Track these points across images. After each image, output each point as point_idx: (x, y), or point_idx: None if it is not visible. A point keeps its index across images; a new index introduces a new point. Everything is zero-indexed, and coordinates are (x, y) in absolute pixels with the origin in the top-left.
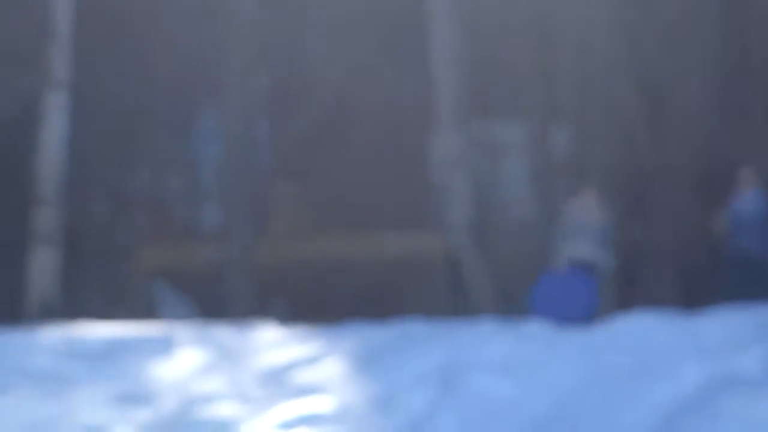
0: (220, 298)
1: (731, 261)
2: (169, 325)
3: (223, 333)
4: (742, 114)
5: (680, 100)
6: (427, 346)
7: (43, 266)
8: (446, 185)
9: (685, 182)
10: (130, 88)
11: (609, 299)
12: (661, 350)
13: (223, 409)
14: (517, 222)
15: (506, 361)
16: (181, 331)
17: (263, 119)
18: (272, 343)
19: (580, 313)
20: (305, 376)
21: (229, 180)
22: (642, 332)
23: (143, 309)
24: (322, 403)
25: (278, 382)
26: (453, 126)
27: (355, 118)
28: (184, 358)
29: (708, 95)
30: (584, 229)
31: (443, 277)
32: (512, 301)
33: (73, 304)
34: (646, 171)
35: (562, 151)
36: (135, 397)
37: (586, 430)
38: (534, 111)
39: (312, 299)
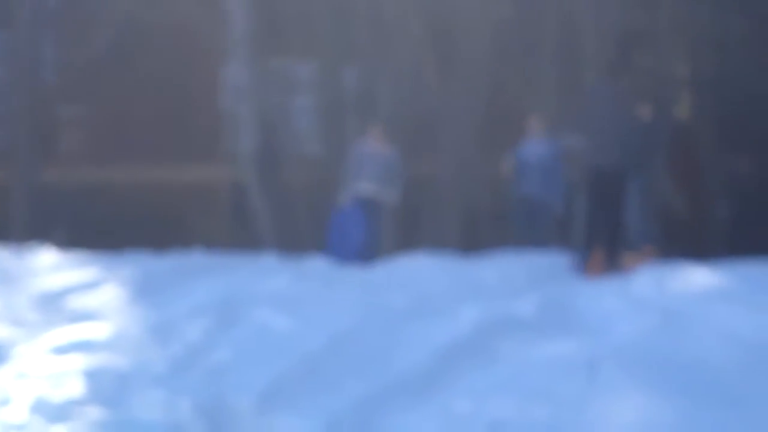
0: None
1: (515, 206)
2: None
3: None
4: (531, 61)
5: (471, 45)
6: (208, 277)
7: None
8: (235, 117)
9: (472, 126)
10: None
11: (392, 238)
12: (440, 292)
13: None
14: (306, 156)
15: (285, 296)
16: None
17: (51, 40)
18: (50, 267)
19: (362, 250)
20: (81, 301)
21: (14, 101)
22: (422, 273)
23: None
24: (97, 330)
25: (53, 307)
26: (244, 59)
27: (147, 44)
28: None
29: (499, 41)
30: (370, 167)
31: (229, 208)
32: (297, 235)
33: None
34: (434, 113)
35: (353, 89)
36: None
37: (363, 366)
38: (326, 49)
39: (95, 225)
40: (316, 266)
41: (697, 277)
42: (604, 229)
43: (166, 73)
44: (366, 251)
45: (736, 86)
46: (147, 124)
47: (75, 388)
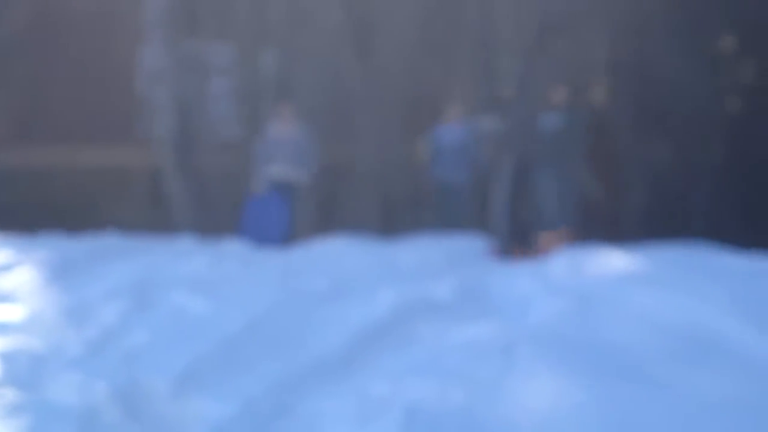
0: None
1: (431, 191)
2: None
3: None
4: (449, 45)
5: (390, 29)
6: (123, 260)
7: None
8: (151, 100)
9: (390, 109)
10: None
11: (310, 221)
12: (357, 274)
13: None
14: (222, 140)
15: (202, 278)
16: None
17: None
18: None
19: (279, 233)
20: None
21: None
22: (339, 256)
23: None
24: (12, 312)
25: None
26: (160, 41)
27: (61, 25)
28: None
29: (417, 26)
30: (283, 149)
31: (145, 192)
32: (213, 219)
33: None
34: (352, 96)
35: (269, 72)
36: None
37: (280, 349)
38: (243, 32)
39: (8, 208)
40: (233, 249)
41: (613, 261)
42: (519, 213)
43: (82, 56)
44: (282, 235)
45: (654, 72)
46: (62, 107)
47: None
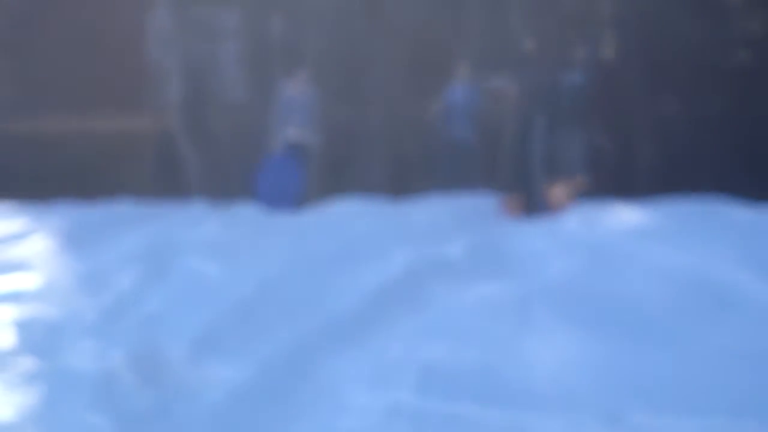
0: None
1: (442, 150)
2: None
3: None
4: (457, 5)
5: None
6: (137, 226)
7: None
8: (160, 65)
9: (400, 70)
10: None
11: (321, 184)
12: (369, 236)
13: None
14: (232, 104)
15: (215, 243)
16: None
17: None
18: None
19: (291, 196)
20: (10, 252)
21: None
22: (351, 218)
23: None
24: (27, 280)
25: None
26: (168, 6)
27: None
28: None
29: None
30: (297, 112)
31: (156, 158)
32: (225, 183)
33: None
34: (361, 57)
35: (278, 35)
36: None
37: (295, 312)
38: None
39: (21, 177)
40: (246, 213)
41: (626, 216)
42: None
43: (90, 23)
44: (297, 197)
45: (660, 26)
46: (71, 74)
47: (6, 339)
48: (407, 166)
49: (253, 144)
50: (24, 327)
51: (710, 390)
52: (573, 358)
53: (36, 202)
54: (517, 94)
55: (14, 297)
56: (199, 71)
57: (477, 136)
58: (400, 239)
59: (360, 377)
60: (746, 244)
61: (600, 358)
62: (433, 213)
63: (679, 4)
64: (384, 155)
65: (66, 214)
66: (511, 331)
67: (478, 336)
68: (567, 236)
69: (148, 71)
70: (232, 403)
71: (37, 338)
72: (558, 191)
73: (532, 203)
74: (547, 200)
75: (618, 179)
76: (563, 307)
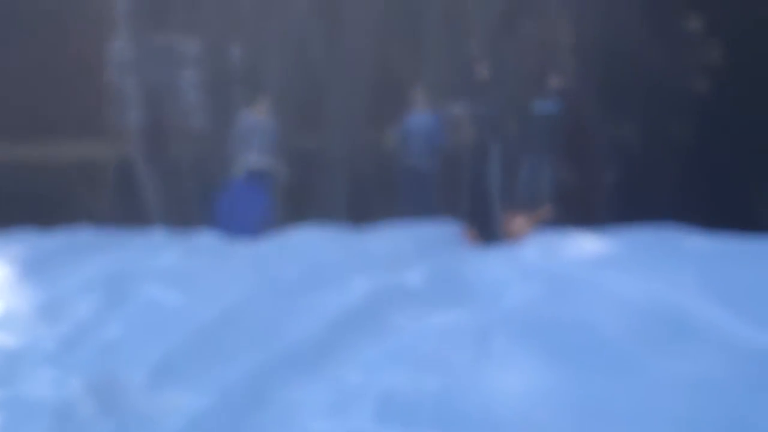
0: None
1: (402, 177)
2: None
3: None
4: (416, 31)
5: (358, 15)
6: (96, 254)
7: None
8: (121, 92)
9: (359, 97)
10: None
11: (281, 211)
12: (330, 264)
13: None
14: (192, 130)
15: (175, 271)
16: None
17: None
18: None
19: (253, 223)
20: None
21: None
22: (312, 245)
23: None
24: None
25: None
26: (129, 33)
27: (29, 16)
28: None
29: (385, 11)
30: (257, 139)
31: (116, 185)
32: (185, 210)
33: None
34: (320, 84)
35: (239, 63)
36: None
37: (255, 339)
38: (211, 23)
39: None
40: (206, 241)
41: (584, 244)
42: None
43: (51, 49)
44: (258, 224)
45: (620, 53)
46: (31, 100)
47: None
48: (367, 194)
49: (214, 171)
50: None
51: (667, 417)
52: (532, 385)
53: None
54: (473, 121)
55: None
56: (160, 98)
57: (437, 164)
58: (360, 267)
59: (320, 404)
60: (703, 272)
61: (558, 385)
62: (393, 241)
63: (638, 32)
64: (344, 182)
65: (25, 241)
66: (471, 358)
67: (438, 363)
68: (526, 264)
69: (108, 97)
70: (192, 431)
71: None
72: (519, 221)
73: (488, 232)
74: (505, 229)
75: (577, 207)
76: (522, 335)
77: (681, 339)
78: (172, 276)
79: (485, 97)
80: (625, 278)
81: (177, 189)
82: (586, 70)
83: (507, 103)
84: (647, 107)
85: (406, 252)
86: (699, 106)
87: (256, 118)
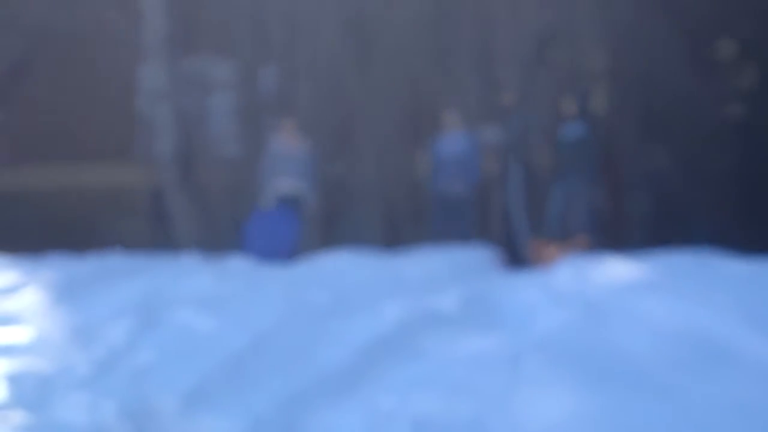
0: None
1: (433, 201)
2: None
3: None
4: (448, 57)
5: (389, 41)
6: (128, 279)
7: None
8: (152, 118)
9: (390, 122)
10: None
11: (313, 236)
12: (362, 288)
13: None
14: (224, 157)
15: (207, 296)
16: None
17: None
18: None
19: (284, 249)
20: (2, 305)
21: None
22: (343, 270)
23: None
24: (19, 334)
25: None
26: (160, 59)
27: (62, 44)
28: None
29: (416, 37)
30: (288, 165)
31: (147, 211)
32: (216, 236)
33: None
34: (353, 110)
35: (270, 88)
36: None
37: (287, 365)
38: (242, 48)
39: (12, 230)
40: (238, 265)
41: (619, 269)
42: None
43: (83, 75)
44: (289, 249)
45: (654, 79)
46: (63, 127)
47: None
48: (399, 218)
49: (245, 196)
50: (15, 380)
51: None
52: (565, 412)
53: (27, 256)
54: (500, 147)
55: (6, 350)
56: (191, 124)
57: (470, 188)
58: (392, 292)
59: (352, 429)
60: (740, 297)
61: (592, 412)
62: (425, 265)
63: (672, 57)
64: (375, 207)
65: (57, 266)
66: (504, 384)
67: (471, 389)
68: (560, 289)
69: (140, 124)
70: None
71: (29, 391)
72: (551, 248)
73: (512, 257)
74: (535, 255)
75: (611, 232)
76: (555, 361)
77: (718, 364)
78: (203, 301)
79: (509, 122)
80: (661, 303)
81: (208, 214)
82: (620, 96)
83: (530, 128)
84: (680, 132)
85: (438, 277)
86: (733, 130)
87: (286, 143)
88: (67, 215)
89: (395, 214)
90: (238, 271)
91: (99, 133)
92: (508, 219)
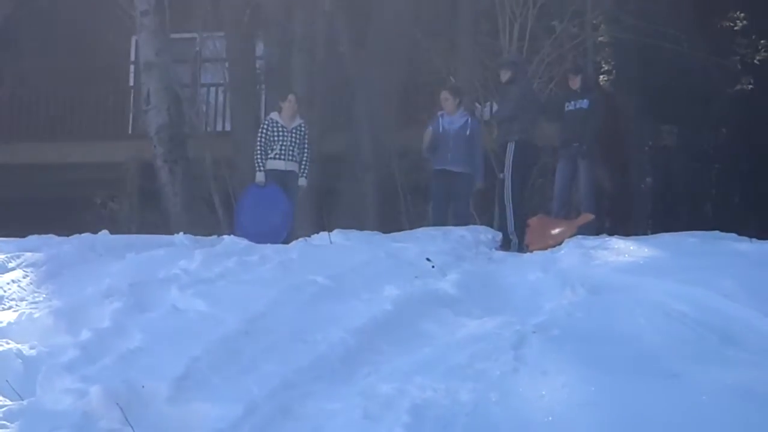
0: None
1: (433, 179)
2: None
3: None
4: (448, 32)
5: (386, 15)
6: (118, 259)
7: None
8: (143, 94)
9: (389, 99)
10: None
11: (309, 215)
12: (359, 269)
13: None
14: (216, 132)
15: (198, 277)
16: None
17: None
18: None
19: (277, 228)
20: None
21: None
22: (340, 251)
23: None
24: (5, 316)
25: None
26: (151, 34)
27: (51, 18)
28: None
29: (414, 10)
30: (283, 142)
31: (137, 187)
32: (207, 214)
33: None
34: (350, 86)
35: (264, 63)
36: None
37: (281, 348)
38: (236, 22)
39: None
40: (230, 245)
41: (624, 250)
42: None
43: (72, 50)
44: (283, 229)
45: (661, 57)
46: (52, 102)
47: None
48: (397, 197)
49: (237, 173)
50: (0, 363)
51: (712, 428)
52: (570, 396)
53: (12, 235)
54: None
55: None
56: (183, 98)
57: (469, 166)
58: (390, 273)
59: (350, 416)
60: (748, 279)
61: (598, 396)
62: (425, 245)
63: (680, 35)
64: (373, 186)
65: (44, 246)
66: (506, 368)
67: (472, 373)
68: (564, 271)
69: (130, 99)
70: None
71: (14, 375)
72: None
73: (506, 237)
74: (529, 233)
75: (616, 212)
76: (560, 343)
77: (725, 347)
78: (195, 283)
79: (506, 99)
80: (667, 284)
81: (199, 191)
82: (624, 70)
83: (528, 104)
84: (686, 112)
85: (438, 257)
86: (739, 106)
87: (282, 120)
88: (55, 193)
89: (392, 191)
90: (230, 252)
91: (88, 108)
92: (504, 198)
